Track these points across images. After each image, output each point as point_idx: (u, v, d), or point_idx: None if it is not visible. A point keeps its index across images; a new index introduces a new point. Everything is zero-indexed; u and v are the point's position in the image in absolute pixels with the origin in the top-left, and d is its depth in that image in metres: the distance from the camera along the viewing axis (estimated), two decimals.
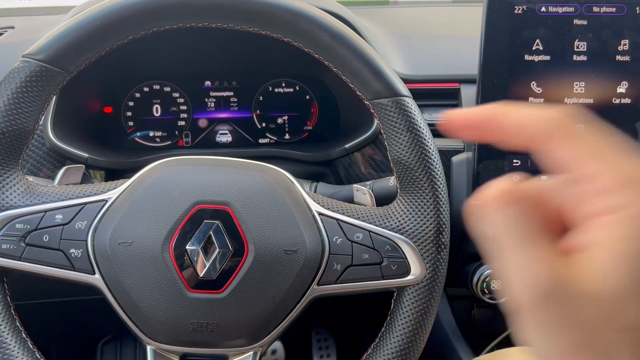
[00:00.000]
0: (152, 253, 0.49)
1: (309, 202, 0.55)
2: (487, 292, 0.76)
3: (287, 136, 0.87)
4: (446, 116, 0.26)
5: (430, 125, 0.78)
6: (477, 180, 0.71)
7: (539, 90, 0.70)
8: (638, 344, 0.21)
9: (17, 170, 0.52)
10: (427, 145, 0.53)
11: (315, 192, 0.69)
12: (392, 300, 0.54)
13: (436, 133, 0.77)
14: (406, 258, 0.53)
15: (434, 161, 0.53)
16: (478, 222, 0.24)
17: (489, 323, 0.88)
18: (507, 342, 0.85)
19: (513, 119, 0.25)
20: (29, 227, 0.50)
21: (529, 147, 0.24)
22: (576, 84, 0.70)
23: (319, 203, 0.55)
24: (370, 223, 0.54)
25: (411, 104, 0.54)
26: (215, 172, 0.53)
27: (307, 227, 0.52)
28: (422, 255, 0.53)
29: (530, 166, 0.71)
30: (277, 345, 1.25)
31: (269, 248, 0.51)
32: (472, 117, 0.25)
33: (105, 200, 0.52)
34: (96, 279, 0.51)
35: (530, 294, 0.21)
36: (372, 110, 0.55)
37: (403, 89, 0.54)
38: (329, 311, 1.26)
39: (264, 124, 0.86)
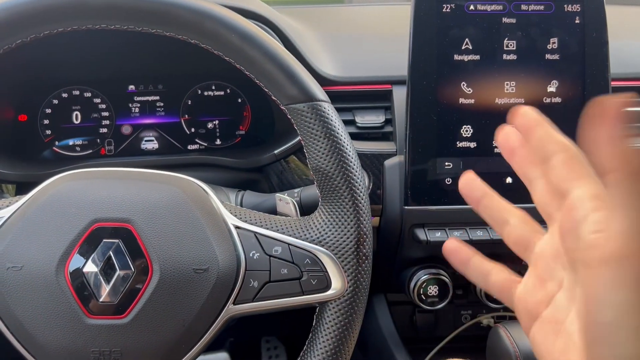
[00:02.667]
0: (45, 277, 0.45)
1: (224, 214, 0.51)
2: (424, 297, 0.74)
3: (218, 141, 0.83)
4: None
5: (363, 127, 0.76)
6: (410, 184, 0.69)
7: (469, 91, 0.69)
8: None
9: None
10: (345, 152, 0.51)
11: (241, 201, 0.66)
12: (314, 316, 0.52)
13: (367, 136, 0.76)
14: (327, 271, 0.50)
15: (353, 168, 0.51)
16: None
17: (430, 328, 0.87)
18: (449, 348, 0.84)
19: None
20: None
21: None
22: (507, 84, 0.69)
23: (235, 215, 0.52)
24: (290, 235, 0.51)
25: (328, 108, 0.51)
26: (116, 185, 0.49)
27: (220, 243, 0.49)
28: (343, 267, 0.50)
29: (463, 169, 0.69)
30: (224, 356, 1.21)
31: (176, 267, 0.47)
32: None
33: None
34: None
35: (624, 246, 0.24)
36: (288, 116, 0.52)
37: (320, 93, 0.51)
38: (279, 318, 1.23)
39: (192, 129, 0.82)
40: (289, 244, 0.50)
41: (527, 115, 0.33)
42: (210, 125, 0.83)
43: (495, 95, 0.69)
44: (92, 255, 0.46)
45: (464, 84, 0.68)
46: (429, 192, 0.69)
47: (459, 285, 0.77)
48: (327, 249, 0.50)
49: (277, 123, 0.84)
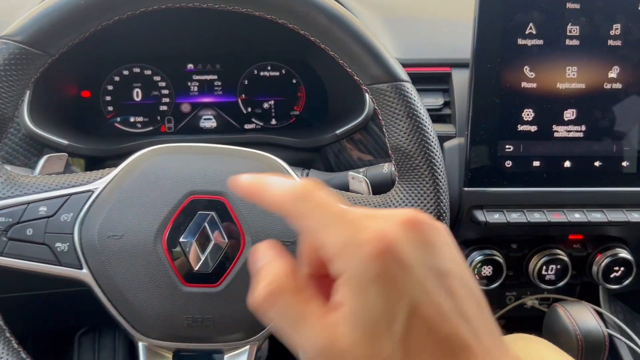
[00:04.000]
0: (145, 246, 0.47)
1: None
2: (477, 278, 0.76)
3: (273, 121, 0.85)
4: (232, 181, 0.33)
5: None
6: (470, 166, 0.70)
7: (531, 75, 0.69)
8: None
9: None
10: (427, 132, 0.52)
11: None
12: None
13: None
14: None
15: (434, 148, 0.52)
16: (265, 318, 0.28)
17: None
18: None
19: (269, 194, 0.30)
20: (10, 220, 0.47)
21: (285, 217, 0.30)
22: (568, 69, 0.70)
23: None
24: None
25: (411, 89, 0.52)
26: (208, 160, 0.51)
27: None
28: None
29: (523, 152, 0.70)
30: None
31: (266, 239, 0.49)
32: (247, 185, 0.32)
33: (92, 191, 0.49)
34: (84, 274, 0.48)
35: (313, 358, 0.26)
36: (370, 96, 0.53)
37: (402, 73, 0.53)
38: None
39: (249, 109, 0.84)
40: None
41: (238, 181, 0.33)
42: (266, 105, 0.84)
43: (557, 80, 0.70)
44: (188, 226, 0.48)
45: (526, 68, 0.69)
46: (489, 174, 0.70)
47: (511, 266, 0.78)
48: None
49: (331, 105, 0.85)
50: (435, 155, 0.52)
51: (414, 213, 0.28)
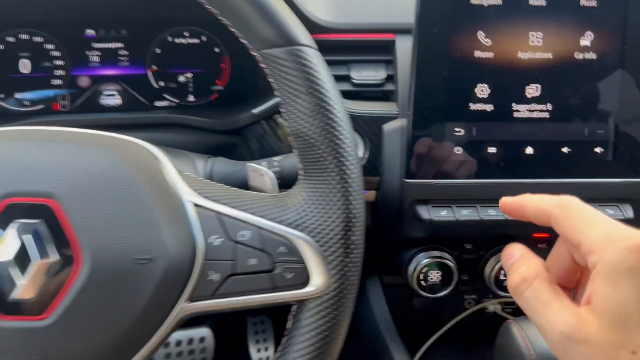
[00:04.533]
0: None
1: (180, 188, 0.41)
2: (424, 284, 0.64)
3: (191, 98, 0.72)
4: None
5: (359, 85, 0.65)
6: (412, 153, 0.58)
7: (487, 42, 0.57)
8: None
9: None
10: (333, 112, 0.40)
11: (211, 170, 0.55)
12: (290, 316, 0.42)
13: (364, 95, 0.64)
14: (305, 263, 0.40)
15: (342, 134, 0.40)
16: (518, 299, 0.33)
17: (430, 313, 0.78)
18: (451, 335, 0.75)
19: (532, 206, 0.35)
20: None
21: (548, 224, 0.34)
22: (532, 35, 0.58)
23: (195, 190, 0.41)
24: (261, 216, 0.41)
25: (313, 55, 0.40)
26: (37, 150, 0.38)
27: (170, 225, 0.39)
28: (326, 258, 0.40)
29: (476, 136, 0.59)
30: (205, 331, 1.13)
31: (112, 256, 0.37)
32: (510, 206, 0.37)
33: None
34: None
35: (555, 339, 0.30)
36: (262, 65, 0.41)
37: (302, 35, 0.40)
38: None
39: (161, 83, 0.71)
40: (259, 228, 0.40)
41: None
42: (181, 78, 0.71)
43: (517, 49, 0.58)
44: (3, 240, 0.36)
45: (481, 34, 0.57)
46: (435, 163, 0.58)
47: (465, 269, 0.67)
48: (307, 235, 0.40)
49: (260, 78, 0.72)
50: (344, 142, 0.40)
51: None
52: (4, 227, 0.36)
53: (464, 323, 0.77)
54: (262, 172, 0.48)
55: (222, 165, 0.56)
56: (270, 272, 0.40)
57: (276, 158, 0.54)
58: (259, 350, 1.19)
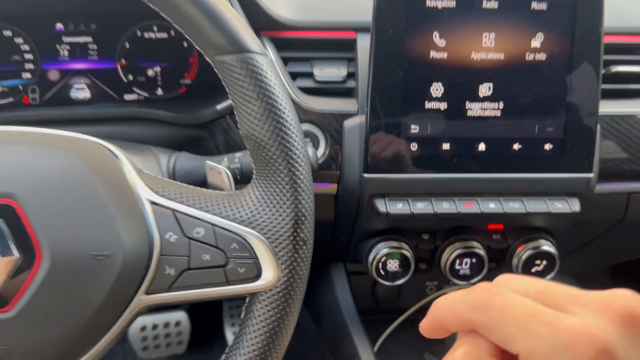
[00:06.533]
0: None
1: (137, 186, 0.43)
2: (383, 273, 0.67)
3: (159, 91, 0.73)
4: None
5: (322, 82, 0.67)
6: (369, 148, 0.61)
7: (442, 43, 0.59)
8: None
9: None
10: (282, 117, 0.42)
11: (174, 165, 0.57)
12: (243, 307, 0.44)
13: (327, 91, 0.66)
14: (257, 258, 0.43)
15: (291, 137, 0.42)
16: None
17: (393, 300, 0.81)
18: (412, 320, 0.79)
19: (447, 317, 0.28)
20: None
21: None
22: (485, 36, 0.60)
23: (152, 188, 0.43)
24: (215, 214, 0.43)
25: (262, 62, 0.42)
26: None
27: (127, 222, 0.41)
28: (276, 254, 0.43)
29: (430, 133, 0.61)
30: (181, 315, 1.16)
31: (71, 252, 0.39)
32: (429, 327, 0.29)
33: None
34: None
35: None
36: (216, 71, 0.43)
37: (252, 42, 0.42)
38: None
39: (130, 77, 0.72)
40: (213, 225, 0.43)
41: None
42: (150, 72, 0.73)
43: (471, 49, 0.60)
44: None
45: (436, 35, 0.59)
46: (391, 159, 0.61)
47: (422, 259, 0.70)
48: (258, 232, 0.43)
49: None
50: (293, 145, 0.43)
51: (630, 301, 0.23)
52: None
53: (427, 308, 0.80)
54: (219, 170, 0.50)
55: (185, 160, 0.59)
56: (224, 267, 0.42)
57: (237, 154, 0.56)
58: (234, 333, 1.22)
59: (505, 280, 0.27)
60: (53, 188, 0.39)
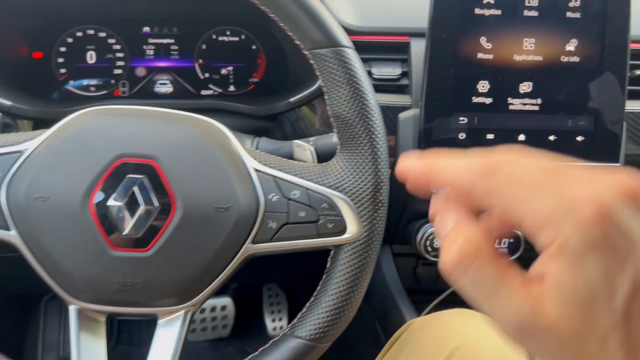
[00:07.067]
0: (71, 209, 0.46)
1: (244, 157, 0.52)
2: (430, 249, 0.76)
3: (231, 88, 0.83)
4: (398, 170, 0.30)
5: (379, 80, 0.76)
6: (423, 137, 0.70)
7: (488, 46, 0.68)
8: None
9: None
10: (367, 100, 0.51)
11: (256, 148, 0.66)
12: (329, 259, 0.53)
13: (383, 88, 0.76)
14: (343, 216, 0.51)
15: (373, 116, 0.51)
16: (455, 283, 0.26)
17: (432, 281, 0.89)
18: (450, 301, 0.86)
19: (443, 175, 0.28)
20: None
21: (465, 200, 0.28)
22: (526, 40, 0.69)
23: (255, 159, 0.52)
24: (308, 180, 0.52)
25: (352, 55, 0.51)
26: (141, 123, 0.50)
27: (240, 184, 0.50)
28: (359, 213, 0.51)
29: (477, 124, 0.70)
30: (227, 301, 1.25)
31: (199, 205, 0.48)
32: (415, 169, 0.29)
33: (21, 152, 0.48)
34: (12, 236, 0.47)
35: (510, 330, 0.25)
36: (311, 61, 0.52)
37: (344, 39, 0.51)
38: (280, 266, 1.25)
39: (207, 75, 0.82)
40: (307, 188, 0.51)
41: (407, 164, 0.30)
42: (224, 71, 0.83)
43: (513, 52, 0.69)
44: (117, 190, 0.47)
45: (483, 39, 0.68)
46: (442, 146, 0.70)
47: None
48: (344, 195, 0.52)
49: (291, 72, 0.83)
50: (375, 123, 0.52)
51: (633, 178, 0.24)
52: (120, 180, 0.47)
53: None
54: (305, 147, 0.59)
55: (265, 143, 0.68)
56: (316, 222, 0.51)
57: (311, 138, 0.65)
58: (273, 320, 1.31)
59: (511, 151, 0.27)
60: (184, 152, 0.49)
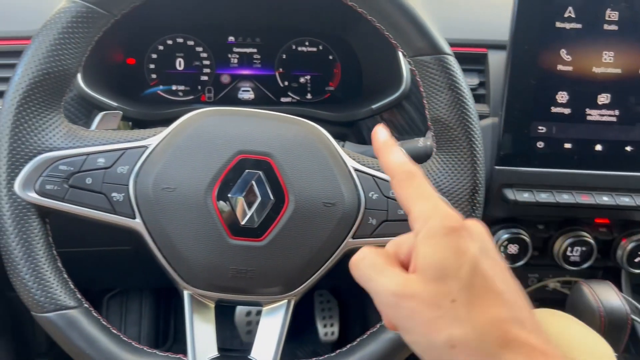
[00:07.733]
0: (196, 199, 0.50)
1: (344, 157, 0.55)
2: (503, 255, 0.77)
3: (309, 96, 0.87)
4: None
5: None
6: (502, 145, 0.72)
7: (568, 58, 0.71)
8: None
9: (59, 113, 0.51)
10: (467, 105, 0.54)
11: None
12: None
13: None
14: None
15: (473, 120, 0.54)
16: (355, 272, 0.37)
17: None
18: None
19: (390, 158, 0.40)
20: (72, 169, 0.50)
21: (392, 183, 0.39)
22: (605, 53, 0.71)
23: (354, 159, 0.55)
24: None
25: (453, 62, 0.54)
26: (257, 123, 0.53)
27: (344, 182, 0.53)
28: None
29: (555, 134, 0.72)
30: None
31: (309, 200, 0.51)
32: (383, 141, 0.42)
33: (146, 147, 0.52)
34: (137, 223, 0.51)
35: (388, 297, 0.34)
36: (412, 67, 0.55)
37: (446, 47, 0.54)
38: (332, 273, 1.28)
39: (286, 83, 0.86)
40: None
41: (378, 136, 0.42)
42: (302, 79, 0.86)
43: (593, 64, 0.71)
44: (237, 183, 0.50)
45: (563, 51, 0.70)
46: (521, 154, 0.72)
47: (536, 246, 0.80)
48: (442, 195, 0.54)
49: (365, 82, 0.87)
50: (475, 128, 0.54)
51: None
52: (240, 174, 0.51)
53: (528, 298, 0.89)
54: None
55: (350, 147, 0.71)
56: None
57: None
58: (325, 326, 1.33)
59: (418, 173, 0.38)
60: (296, 151, 0.52)
